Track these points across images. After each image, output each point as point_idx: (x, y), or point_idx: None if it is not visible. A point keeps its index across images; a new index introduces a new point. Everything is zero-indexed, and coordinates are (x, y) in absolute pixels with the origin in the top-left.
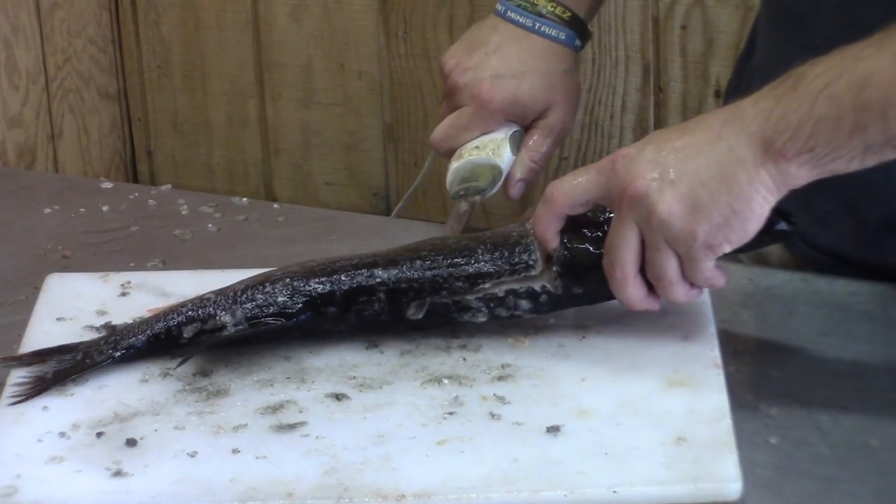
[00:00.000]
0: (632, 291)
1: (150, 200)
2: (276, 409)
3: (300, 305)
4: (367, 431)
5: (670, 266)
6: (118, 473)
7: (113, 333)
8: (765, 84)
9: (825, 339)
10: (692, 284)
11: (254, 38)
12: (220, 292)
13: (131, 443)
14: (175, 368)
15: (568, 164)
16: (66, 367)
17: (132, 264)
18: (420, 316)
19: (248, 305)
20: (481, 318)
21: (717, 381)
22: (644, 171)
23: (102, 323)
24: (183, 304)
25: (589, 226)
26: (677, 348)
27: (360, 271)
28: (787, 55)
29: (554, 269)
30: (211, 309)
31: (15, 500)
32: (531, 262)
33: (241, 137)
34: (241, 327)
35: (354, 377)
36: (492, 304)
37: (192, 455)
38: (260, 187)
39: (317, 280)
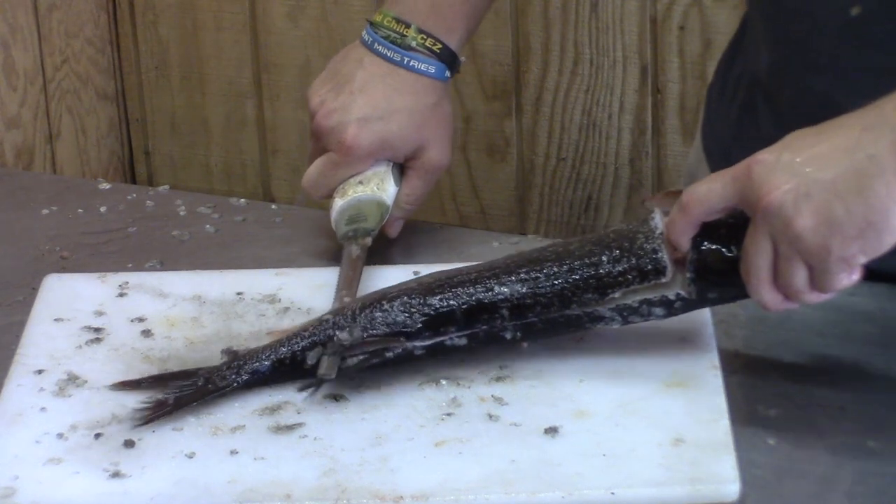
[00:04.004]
0: (768, 297)
1: (148, 201)
2: (273, 410)
3: (419, 325)
4: (364, 432)
5: (799, 277)
6: (116, 475)
7: (235, 358)
8: (767, 100)
9: (823, 340)
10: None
11: (251, 38)
12: (338, 312)
13: (129, 444)
14: (305, 400)
15: (566, 165)
16: (188, 392)
17: (130, 265)
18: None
19: (368, 325)
20: (615, 326)
21: (715, 383)
22: (780, 182)
23: (98, 325)
24: (304, 328)
25: (720, 227)
26: (675, 350)
27: (480, 286)
28: (790, 73)
29: (687, 275)
30: (330, 330)
31: (13, 501)
32: (661, 268)
33: (239, 138)
34: (364, 356)
35: (352, 378)
36: (625, 313)
37: (191, 456)
38: (258, 188)
39: (436, 297)
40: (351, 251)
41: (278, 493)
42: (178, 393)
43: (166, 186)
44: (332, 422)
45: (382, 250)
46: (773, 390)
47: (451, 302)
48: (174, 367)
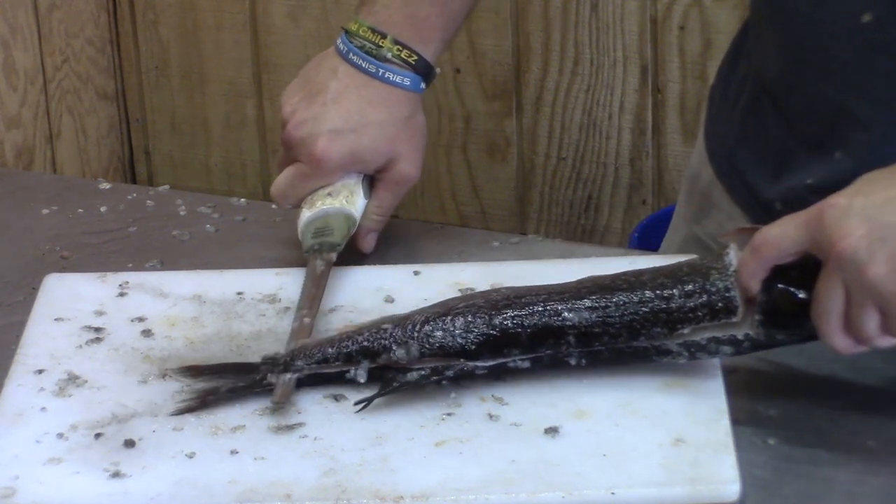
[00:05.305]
0: (839, 342)
1: (148, 201)
2: (274, 409)
3: (480, 347)
4: (365, 432)
5: (872, 323)
6: (116, 475)
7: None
8: (775, 105)
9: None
10: None
11: (252, 38)
12: (399, 322)
13: (130, 444)
14: (358, 411)
15: (566, 165)
16: (242, 385)
17: (130, 265)
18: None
19: (426, 343)
20: (682, 361)
21: (716, 383)
22: (853, 228)
23: (98, 325)
24: (359, 331)
25: (791, 269)
26: None
27: (548, 310)
28: (800, 79)
29: (756, 317)
30: (387, 342)
31: (13, 501)
32: (733, 308)
33: (239, 138)
34: (423, 372)
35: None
36: (692, 349)
37: (191, 456)
38: (258, 188)
39: (501, 317)
40: (315, 266)
41: (278, 493)
42: (233, 384)
43: (166, 186)
44: (332, 422)
45: (383, 250)
46: (772, 390)
47: (517, 324)
48: (174, 367)
